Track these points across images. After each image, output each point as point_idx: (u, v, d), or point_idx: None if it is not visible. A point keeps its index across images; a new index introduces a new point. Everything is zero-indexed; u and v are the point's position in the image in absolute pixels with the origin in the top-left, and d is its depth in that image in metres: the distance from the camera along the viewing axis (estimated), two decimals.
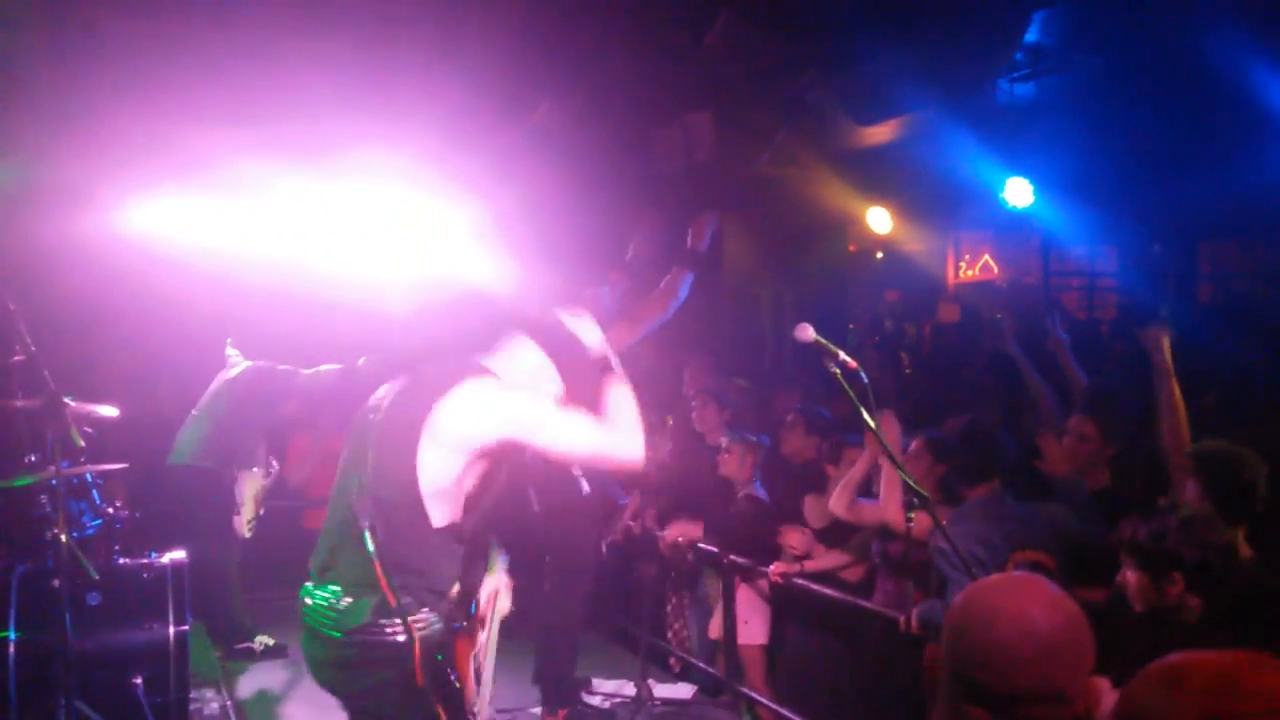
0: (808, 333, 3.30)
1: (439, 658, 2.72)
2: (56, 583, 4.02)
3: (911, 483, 3.40)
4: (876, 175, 9.34)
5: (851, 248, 11.05)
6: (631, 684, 5.35)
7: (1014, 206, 8.78)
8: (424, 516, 2.74)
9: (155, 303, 6.77)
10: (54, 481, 4.10)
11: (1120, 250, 11.39)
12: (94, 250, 6.26)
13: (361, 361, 6.38)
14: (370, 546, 2.65)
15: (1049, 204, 8.85)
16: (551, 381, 2.99)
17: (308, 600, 2.81)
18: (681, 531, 5.71)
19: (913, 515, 4.35)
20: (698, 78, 6.97)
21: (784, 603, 5.25)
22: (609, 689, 5.44)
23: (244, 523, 6.27)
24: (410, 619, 2.68)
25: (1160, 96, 7.36)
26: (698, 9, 6.41)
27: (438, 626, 2.76)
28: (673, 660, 6.05)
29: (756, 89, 7.22)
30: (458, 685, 2.75)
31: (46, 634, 4.10)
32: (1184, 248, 10.29)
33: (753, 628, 5.40)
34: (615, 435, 2.89)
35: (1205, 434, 3.96)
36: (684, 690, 5.54)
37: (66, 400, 4.15)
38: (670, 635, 6.13)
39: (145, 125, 5.99)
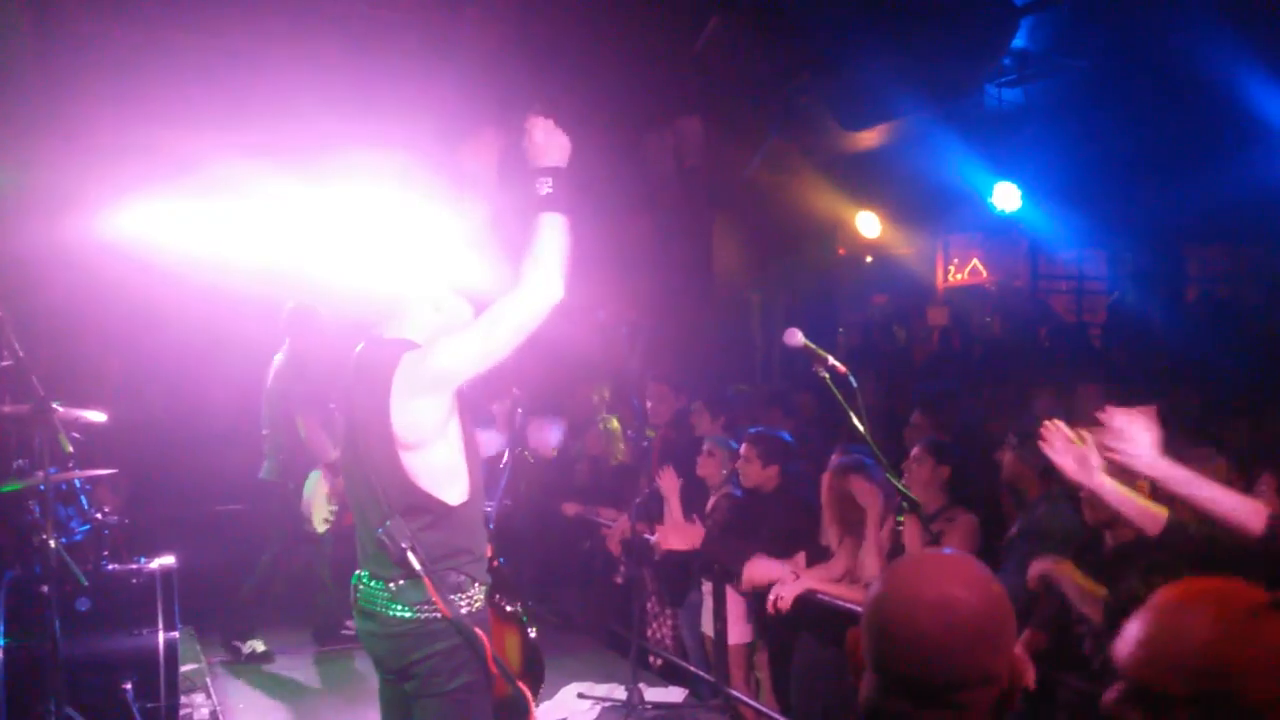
0: (797, 338, 3.31)
1: (484, 630, 2.88)
2: (45, 589, 4.03)
3: (901, 488, 3.41)
4: (866, 180, 9.38)
5: (841, 252, 11.08)
6: (622, 688, 5.34)
7: (1002, 211, 8.84)
8: (438, 501, 2.84)
9: (143, 307, 6.75)
10: (42, 487, 4.10)
11: (1109, 254, 11.45)
12: (82, 255, 6.24)
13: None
14: (403, 543, 2.79)
15: (1037, 208, 8.90)
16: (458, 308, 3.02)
17: (361, 585, 2.96)
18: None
19: (902, 519, 4.40)
20: (688, 83, 7.00)
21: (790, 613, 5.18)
22: (600, 693, 5.43)
23: (318, 520, 6.29)
24: (462, 595, 2.86)
25: (1147, 101, 7.41)
26: (688, 15, 6.44)
27: (481, 603, 2.92)
28: (652, 657, 6.04)
29: (746, 94, 7.25)
30: (496, 655, 2.90)
31: (35, 640, 4.09)
32: (1171, 251, 10.35)
33: (737, 627, 5.40)
34: (527, 286, 2.79)
35: (1191, 436, 4.00)
36: (675, 694, 5.53)
37: (55, 406, 4.15)
38: (660, 638, 6.12)
39: (132, 129, 5.99)
